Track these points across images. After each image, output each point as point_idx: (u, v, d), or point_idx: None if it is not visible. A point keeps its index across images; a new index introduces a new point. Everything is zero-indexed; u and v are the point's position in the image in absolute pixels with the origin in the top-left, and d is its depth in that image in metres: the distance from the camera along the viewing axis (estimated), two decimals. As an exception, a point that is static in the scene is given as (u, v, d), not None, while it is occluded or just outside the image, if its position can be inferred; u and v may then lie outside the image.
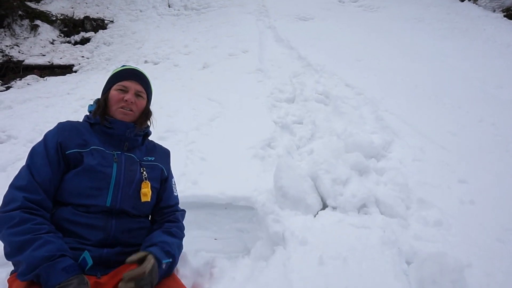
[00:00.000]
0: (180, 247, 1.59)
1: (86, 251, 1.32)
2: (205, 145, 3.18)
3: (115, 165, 1.50)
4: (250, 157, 2.96)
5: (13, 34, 7.50)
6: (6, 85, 5.85)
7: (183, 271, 1.64)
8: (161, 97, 4.20)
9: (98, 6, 9.47)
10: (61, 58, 7.02)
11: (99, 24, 8.52)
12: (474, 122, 3.63)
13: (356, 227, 2.08)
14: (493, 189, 2.56)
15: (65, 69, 6.68)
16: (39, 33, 7.75)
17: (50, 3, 9.13)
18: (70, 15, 8.65)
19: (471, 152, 3.08)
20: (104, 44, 7.62)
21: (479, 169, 2.82)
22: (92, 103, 1.67)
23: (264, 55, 5.87)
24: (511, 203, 2.40)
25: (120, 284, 1.24)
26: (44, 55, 7.10)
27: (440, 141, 3.22)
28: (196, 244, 2.31)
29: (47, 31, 7.91)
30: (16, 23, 7.68)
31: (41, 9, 8.48)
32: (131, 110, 1.59)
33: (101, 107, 1.58)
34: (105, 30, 8.30)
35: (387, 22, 7.77)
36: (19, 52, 7.07)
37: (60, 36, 8.06)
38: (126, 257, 1.44)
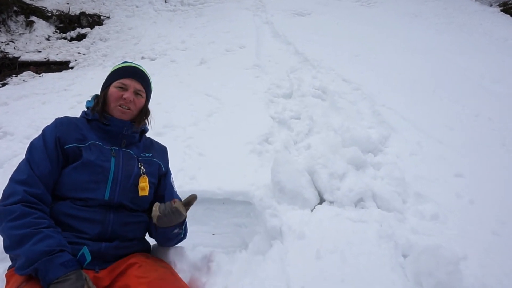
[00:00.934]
0: (186, 231, 1.70)
1: (85, 246, 1.32)
2: (202, 140, 3.18)
3: (113, 159, 1.51)
4: (247, 152, 2.96)
5: (8, 30, 7.44)
6: (2, 82, 5.81)
7: (180, 266, 1.65)
8: (159, 93, 4.16)
9: (94, 1, 9.40)
10: (57, 55, 6.97)
11: (95, 20, 8.46)
12: (470, 117, 3.64)
13: (353, 221, 2.10)
14: (489, 183, 2.58)
15: (61, 66, 6.64)
16: (34, 29, 7.69)
17: (46, -1, 9.05)
18: (65, 11, 8.58)
19: (467, 146, 3.10)
20: (101, 40, 7.57)
21: (476, 163, 2.83)
22: (90, 99, 1.67)
23: (261, 50, 5.85)
24: (507, 197, 2.42)
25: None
26: (40, 52, 7.05)
27: (437, 136, 3.24)
28: (194, 238, 2.31)
29: (42, 27, 7.84)
30: (11, 19, 7.61)
31: (36, 5, 8.40)
32: (129, 109, 1.59)
33: (100, 104, 1.58)
34: (101, 26, 8.24)
35: (384, 17, 7.76)
36: (14, 48, 7.02)
37: (56, 32, 8.00)
38: (124, 252, 1.46)
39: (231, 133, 3.33)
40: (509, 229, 2.10)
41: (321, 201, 2.39)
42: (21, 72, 6.15)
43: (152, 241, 1.74)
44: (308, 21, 7.45)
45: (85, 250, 1.31)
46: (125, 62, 1.75)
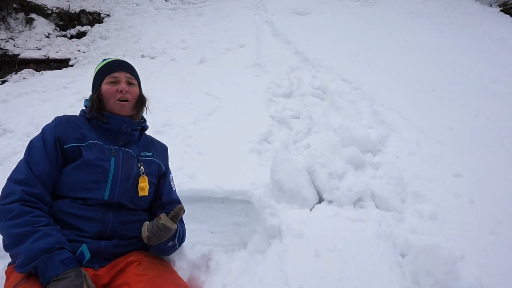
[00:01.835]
0: (184, 235, 1.68)
1: (84, 244, 1.33)
2: (202, 139, 3.18)
3: (113, 159, 1.51)
4: (247, 151, 2.97)
5: (8, 28, 7.42)
6: (2, 79, 5.80)
7: (180, 264, 1.66)
8: (158, 92, 4.20)
9: (94, -1, 9.38)
10: (57, 52, 6.96)
11: (95, 18, 8.44)
12: (469, 116, 3.65)
13: (351, 221, 2.10)
14: (488, 183, 2.59)
15: (61, 63, 6.62)
16: (34, 27, 7.67)
17: (45, -4, 9.03)
18: (65, 8, 8.56)
19: (466, 146, 3.10)
20: (101, 38, 7.55)
21: (474, 163, 2.84)
22: (88, 98, 1.67)
23: (261, 49, 5.85)
24: (504, 197, 2.43)
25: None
26: (39, 49, 7.03)
27: (436, 135, 3.24)
28: (193, 237, 2.31)
29: (42, 25, 7.82)
30: (11, 17, 7.59)
31: (36, 2, 8.37)
32: (127, 100, 1.60)
33: (95, 105, 1.57)
34: (101, 24, 8.22)
35: (384, 16, 7.76)
36: (14, 45, 7.00)
37: (56, 29, 7.99)
38: (123, 250, 1.47)
39: (231, 132, 3.33)
40: (507, 229, 2.11)
41: (320, 200, 2.40)
42: (21, 70, 6.14)
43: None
44: (308, 20, 7.44)
45: (84, 248, 1.32)
46: (104, 59, 1.74)
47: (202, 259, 1.79)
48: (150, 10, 8.95)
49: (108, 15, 8.64)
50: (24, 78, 5.79)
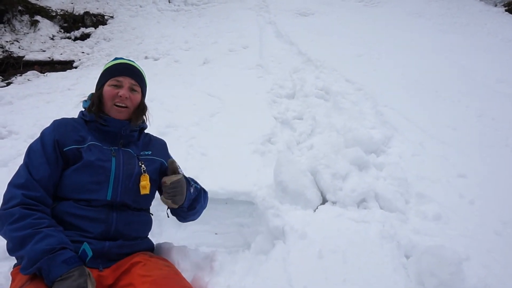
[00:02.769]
0: (206, 194, 1.78)
1: (85, 243, 1.33)
2: (205, 140, 3.19)
3: (113, 159, 1.51)
4: (250, 152, 2.97)
5: (13, 30, 7.48)
6: (7, 81, 5.85)
7: (183, 265, 1.66)
8: (162, 93, 4.22)
9: (98, 1, 9.42)
10: (61, 54, 7.00)
11: (99, 20, 8.49)
12: (474, 117, 3.63)
13: (355, 222, 2.10)
14: (492, 184, 2.58)
15: (66, 65, 6.67)
16: (39, 29, 7.72)
17: (50, -2, 9.09)
18: (70, 10, 8.61)
19: (470, 146, 3.09)
20: (104, 39, 7.59)
21: (479, 164, 2.83)
22: (86, 99, 1.66)
23: (264, 50, 5.86)
24: (509, 197, 2.41)
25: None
26: (44, 51, 7.08)
27: (439, 136, 3.23)
28: (197, 238, 2.33)
29: (47, 27, 7.88)
30: (16, 19, 7.65)
31: (41, 5, 8.43)
32: (125, 107, 1.58)
33: (95, 104, 1.57)
34: (105, 26, 8.26)
35: (387, 17, 7.74)
36: (19, 47, 7.06)
37: (60, 31, 8.04)
38: (127, 251, 1.47)
39: (234, 133, 3.34)
40: (511, 230, 2.10)
41: (324, 201, 2.40)
42: (26, 72, 6.19)
43: (155, 240, 1.75)
44: (311, 21, 7.44)
45: (85, 246, 1.32)
46: (116, 58, 1.72)
47: (205, 260, 1.79)
48: (154, 11, 8.99)
49: (112, 17, 8.68)
50: (28, 80, 5.83)
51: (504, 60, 5.33)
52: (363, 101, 3.95)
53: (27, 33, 7.59)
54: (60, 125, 1.53)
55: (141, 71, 1.71)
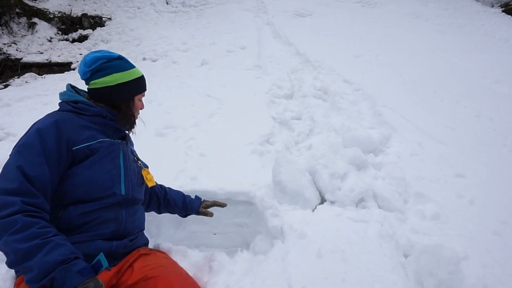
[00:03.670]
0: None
1: (101, 253, 1.28)
2: (204, 141, 3.19)
3: (121, 153, 1.53)
4: (249, 153, 2.97)
5: (11, 32, 7.47)
6: (4, 83, 5.83)
7: (182, 265, 1.65)
8: (160, 94, 4.22)
9: (95, 3, 9.43)
10: (59, 56, 7.00)
11: (96, 22, 8.49)
12: (472, 117, 3.64)
13: (354, 221, 2.10)
14: (490, 183, 2.58)
15: (63, 67, 6.66)
16: (36, 31, 7.72)
17: (48, 0, 9.08)
18: (67, 12, 8.61)
19: (468, 146, 3.09)
20: (102, 41, 7.59)
21: (477, 163, 2.83)
22: (66, 91, 1.58)
23: (263, 51, 5.86)
24: (507, 197, 2.41)
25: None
26: (42, 53, 7.07)
27: (438, 136, 3.24)
28: (196, 239, 2.33)
29: (44, 29, 7.87)
30: (13, 21, 7.64)
31: (38, 7, 8.43)
32: None
33: (132, 119, 1.62)
34: (103, 28, 8.27)
35: (385, 17, 7.77)
36: (17, 50, 7.05)
37: (58, 33, 8.03)
38: (130, 248, 1.52)
39: (232, 133, 3.34)
40: (510, 229, 2.10)
41: (322, 201, 2.40)
42: (23, 74, 6.18)
43: (154, 241, 1.75)
44: (309, 22, 7.46)
45: (101, 257, 1.26)
46: (134, 67, 1.64)
47: (204, 260, 1.79)
48: (151, 13, 9.00)
49: (110, 19, 8.68)
50: (26, 82, 5.82)
51: (501, 61, 5.36)
52: (362, 101, 3.96)
53: (25, 35, 7.59)
54: (65, 121, 1.39)
55: None
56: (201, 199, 2.03)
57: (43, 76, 6.08)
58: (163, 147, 3.03)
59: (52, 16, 8.28)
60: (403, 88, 4.35)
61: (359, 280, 1.67)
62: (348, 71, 4.76)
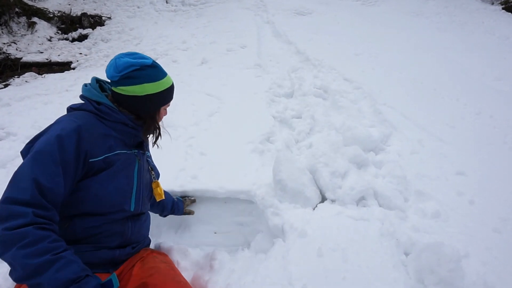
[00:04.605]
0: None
1: (114, 273, 1.24)
2: (204, 140, 3.19)
3: (136, 164, 1.49)
4: (249, 152, 2.97)
5: (10, 32, 7.46)
6: (4, 83, 5.83)
7: (183, 264, 1.66)
8: (160, 93, 4.19)
9: (95, 2, 9.42)
10: (59, 55, 6.99)
11: (96, 21, 8.48)
12: (472, 115, 3.64)
13: (354, 219, 2.10)
14: (491, 181, 2.58)
15: (63, 66, 6.66)
16: (36, 30, 7.71)
17: (47, 0, 9.08)
18: (67, 12, 8.60)
19: (469, 144, 3.09)
20: (102, 41, 7.59)
21: (477, 161, 2.83)
22: (91, 87, 1.46)
23: (263, 50, 5.86)
24: (508, 195, 2.42)
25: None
26: (42, 52, 7.07)
27: (438, 134, 3.24)
28: (196, 237, 2.33)
29: (44, 28, 7.87)
30: (13, 21, 7.64)
31: (38, 6, 8.43)
32: None
33: (157, 130, 1.60)
34: (102, 27, 8.26)
35: (385, 16, 7.75)
36: (16, 49, 7.04)
37: (58, 33, 8.02)
38: (131, 255, 1.53)
39: (233, 132, 3.33)
40: (510, 227, 2.10)
41: (323, 199, 2.40)
42: (23, 73, 6.18)
43: (154, 241, 1.75)
44: (309, 20, 7.45)
45: (113, 277, 1.22)
46: (167, 75, 1.55)
47: (205, 259, 1.79)
48: (151, 12, 8.99)
49: (110, 18, 8.68)
50: (26, 81, 5.82)
51: (501, 58, 5.35)
52: (362, 100, 3.95)
53: (25, 34, 7.58)
54: (87, 129, 1.30)
55: None
56: (181, 200, 2.26)
57: (43, 75, 6.07)
58: (163, 146, 3.03)
59: (51, 15, 8.28)
60: (403, 86, 4.35)
61: (359, 279, 1.68)
62: (348, 69, 4.76)
